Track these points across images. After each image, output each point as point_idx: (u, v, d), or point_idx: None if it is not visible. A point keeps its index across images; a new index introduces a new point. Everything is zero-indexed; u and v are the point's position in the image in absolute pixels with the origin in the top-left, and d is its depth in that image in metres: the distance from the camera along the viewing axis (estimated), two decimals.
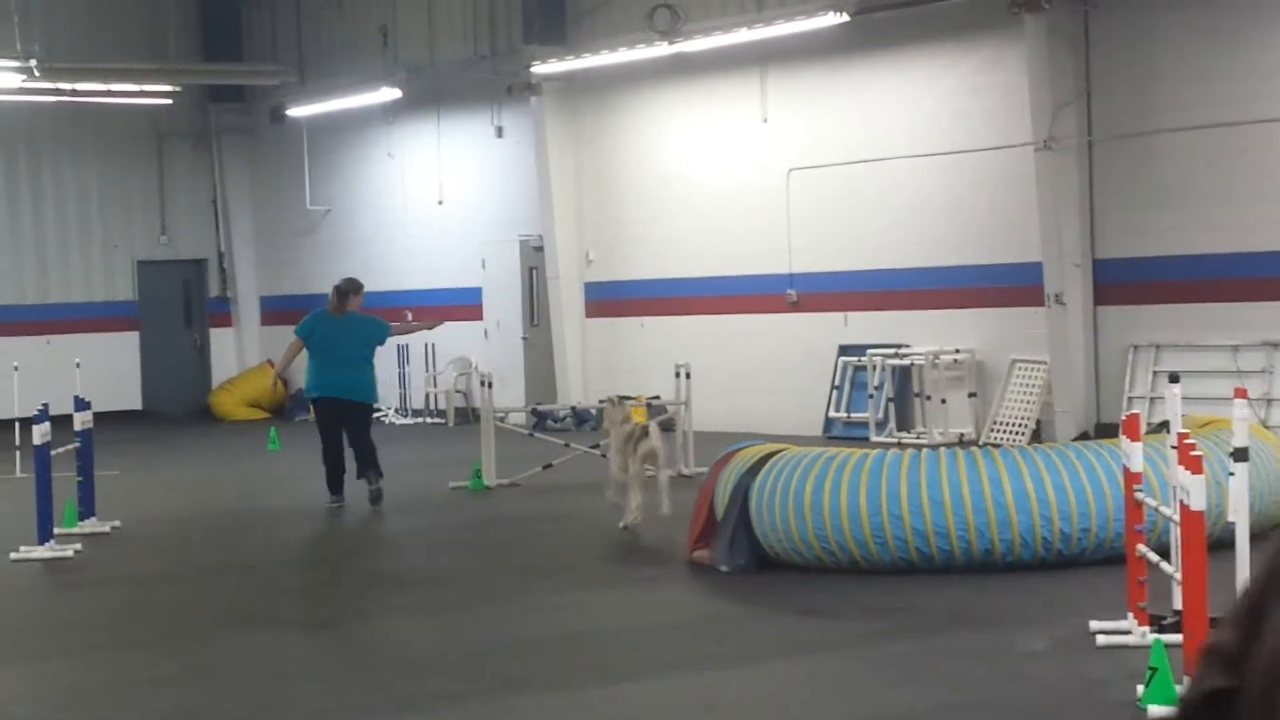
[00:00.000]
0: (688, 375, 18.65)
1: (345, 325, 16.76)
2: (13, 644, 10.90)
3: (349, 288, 16.98)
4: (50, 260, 29.77)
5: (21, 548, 13.96)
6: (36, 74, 23.37)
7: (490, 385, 18.51)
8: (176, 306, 31.14)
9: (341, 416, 16.57)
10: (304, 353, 17.07)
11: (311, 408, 17.22)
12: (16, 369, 20.92)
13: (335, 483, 16.79)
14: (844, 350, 21.97)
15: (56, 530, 14.40)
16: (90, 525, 15.37)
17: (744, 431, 19.96)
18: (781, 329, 22.80)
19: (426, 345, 27.61)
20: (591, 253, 25.37)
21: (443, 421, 26.84)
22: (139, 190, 30.56)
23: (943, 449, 12.20)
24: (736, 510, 12.21)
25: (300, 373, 29.71)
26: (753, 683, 9.12)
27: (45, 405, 14.16)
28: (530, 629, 10.75)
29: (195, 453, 24.16)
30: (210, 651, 10.38)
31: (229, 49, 30.15)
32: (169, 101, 27.88)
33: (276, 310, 31.06)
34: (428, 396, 27.67)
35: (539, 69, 24.44)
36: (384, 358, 28.03)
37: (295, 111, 28.52)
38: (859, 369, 21.71)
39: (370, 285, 28.62)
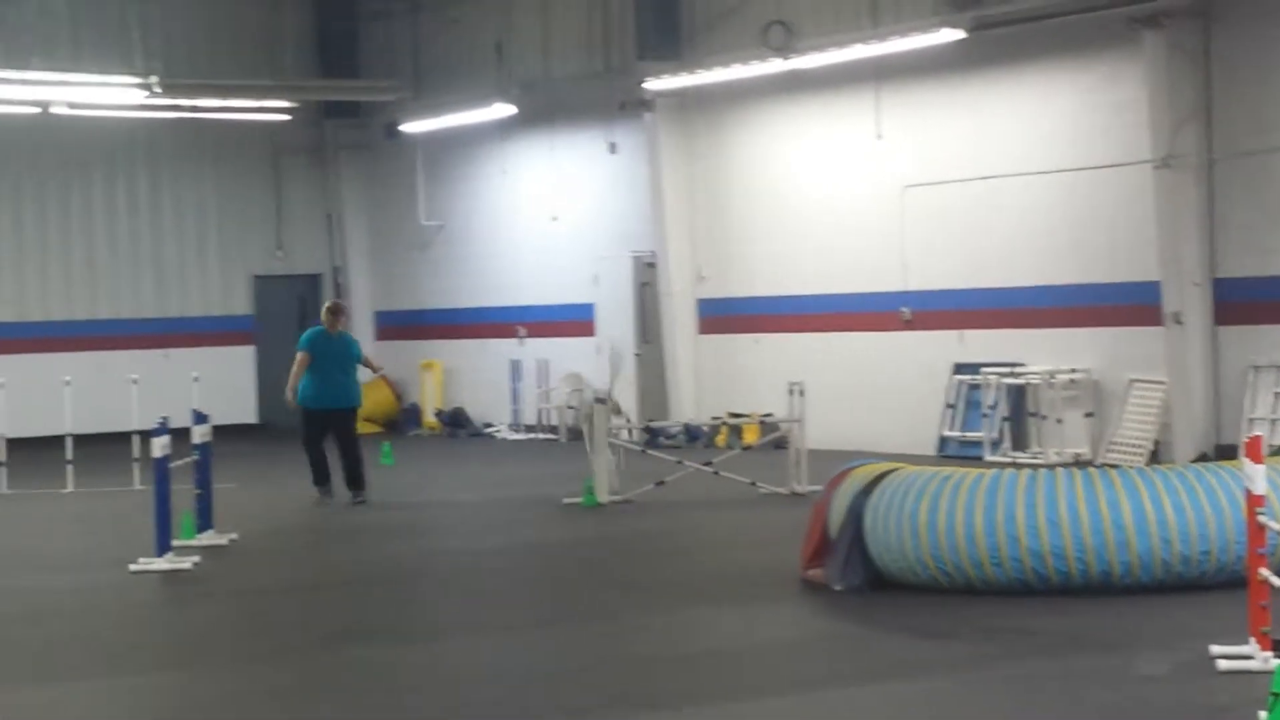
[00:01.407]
0: (801, 393, 18.58)
1: (338, 342, 18.76)
2: (131, 654, 11.02)
3: (341, 308, 19.26)
4: (168, 274, 30.16)
5: (140, 559, 14.11)
6: (157, 91, 23.66)
7: (603, 401, 18.50)
8: (292, 321, 31.36)
9: (331, 423, 18.58)
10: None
11: (303, 414, 18.75)
12: (135, 382, 21.17)
13: (322, 477, 18.74)
14: (959, 369, 21.83)
15: (175, 542, 14.55)
16: (208, 538, 15.52)
17: (857, 450, 19.91)
18: (895, 347, 22.68)
19: (539, 361, 27.71)
20: (704, 269, 25.35)
21: (555, 437, 26.89)
22: (256, 205, 30.90)
23: (1060, 469, 12.07)
24: (851, 529, 12.14)
25: (410, 384, 30.04)
26: (868, 703, 9.06)
27: (165, 418, 14.30)
28: (643, 646, 10.74)
29: (309, 467, 24.28)
30: (325, 664, 10.44)
31: (345, 65, 30.42)
32: (287, 117, 28.13)
33: (391, 325, 31.29)
34: (540, 412, 27.74)
35: (653, 85, 24.48)
36: (496, 373, 28.31)
37: (410, 127, 28.72)
38: (974, 388, 21.56)
39: (483, 301, 29.10)
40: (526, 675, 9.96)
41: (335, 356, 18.62)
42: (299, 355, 18.63)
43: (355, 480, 18.69)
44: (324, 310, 19.12)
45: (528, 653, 10.66)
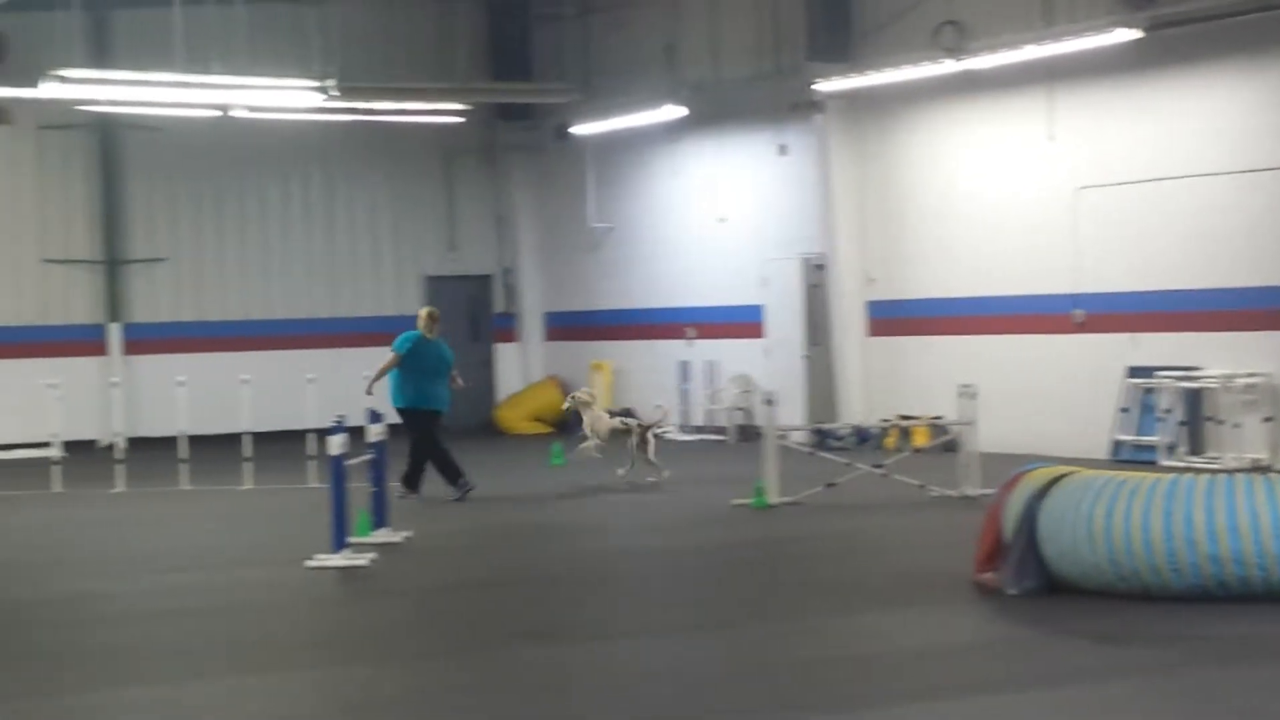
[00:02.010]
0: (972, 395, 18.44)
1: (435, 346, 19.40)
2: (309, 649, 11.20)
3: (438, 316, 19.78)
4: (342, 275, 30.61)
5: (317, 556, 14.34)
6: (334, 94, 23.97)
7: (773, 403, 18.51)
8: (463, 321, 31.73)
9: (424, 423, 19.22)
10: None
11: (403, 416, 19.30)
12: (311, 381, 21.50)
13: (454, 473, 19.30)
14: (1132, 372, 21.54)
15: (350, 539, 14.77)
16: (383, 535, 15.73)
17: (1028, 453, 19.71)
18: (1067, 349, 22.43)
19: (708, 362, 27.76)
20: (874, 271, 25.24)
21: (723, 439, 26.93)
22: (428, 207, 31.27)
23: (1239, 474, 11.89)
24: (1025, 533, 12.04)
25: (579, 385, 30.19)
26: (1042, 709, 8.98)
27: (342, 417, 14.52)
28: (813, 649, 10.73)
29: (481, 466, 24.42)
30: (499, 663, 10.53)
31: (517, 68, 30.67)
32: (459, 120, 28.40)
33: (560, 326, 31.48)
34: (708, 413, 27.79)
35: (823, 87, 24.41)
36: (665, 374, 28.41)
37: (580, 129, 28.88)
38: (1148, 391, 21.26)
39: (652, 303, 29.18)
40: (697, 677, 9.98)
41: (431, 361, 19.30)
42: (390, 356, 19.32)
43: (411, 480, 19.33)
44: (424, 315, 19.69)
45: (698, 654, 10.68)
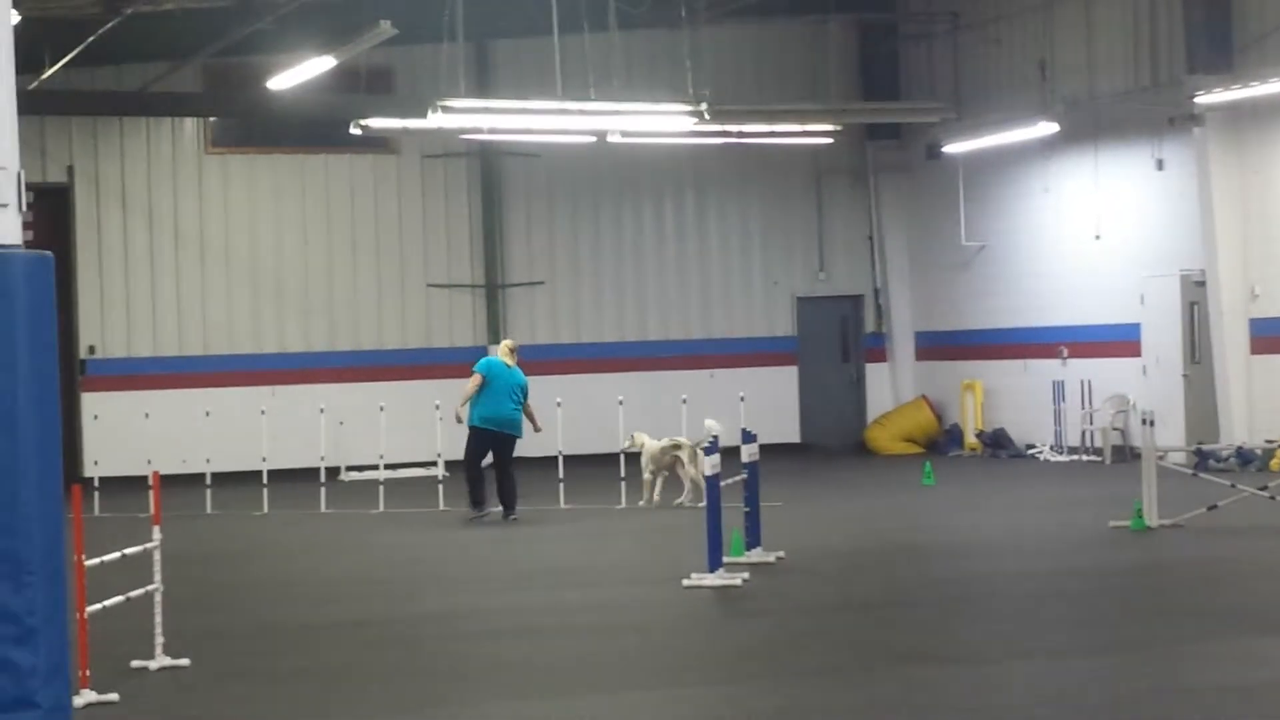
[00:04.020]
0: None
1: (513, 374, 20.52)
2: (688, 667, 11.36)
3: (515, 345, 21.05)
4: (714, 296, 30.95)
5: (693, 575, 14.55)
6: (706, 117, 24.28)
7: (1151, 423, 18.12)
8: (833, 342, 31.80)
9: (497, 445, 20.40)
10: None
11: (472, 433, 20.43)
12: (684, 402, 21.83)
13: (480, 499, 20.45)
14: None
15: (725, 559, 14.94)
16: (756, 555, 15.86)
17: None
18: None
19: (1083, 382, 27.31)
20: (1257, 287, 24.53)
21: (1099, 459, 26.46)
22: (798, 228, 31.42)
23: None
24: None
25: (950, 405, 30.01)
26: None
27: (715, 438, 14.70)
28: (1197, 676, 10.51)
29: (852, 486, 24.57)
30: (877, 684, 10.54)
31: (886, 87, 30.65)
32: (829, 140, 28.49)
33: (930, 346, 31.30)
34: (1084, 434, 27.32)
35: (1203, 99, 23.81)
36: (1038, 394, 28.02)
37: (951, 148, 28.69)
38: None
39: (1025, 321, 28.85)
40: (1089, 702, 9.84)
41: (509, 386, 20.42)
42: (475, 376, 20.42)
43: (509, 501, 20.44)
44: (505, 347, 20.80)
45: (1087, 679, 10.51)
